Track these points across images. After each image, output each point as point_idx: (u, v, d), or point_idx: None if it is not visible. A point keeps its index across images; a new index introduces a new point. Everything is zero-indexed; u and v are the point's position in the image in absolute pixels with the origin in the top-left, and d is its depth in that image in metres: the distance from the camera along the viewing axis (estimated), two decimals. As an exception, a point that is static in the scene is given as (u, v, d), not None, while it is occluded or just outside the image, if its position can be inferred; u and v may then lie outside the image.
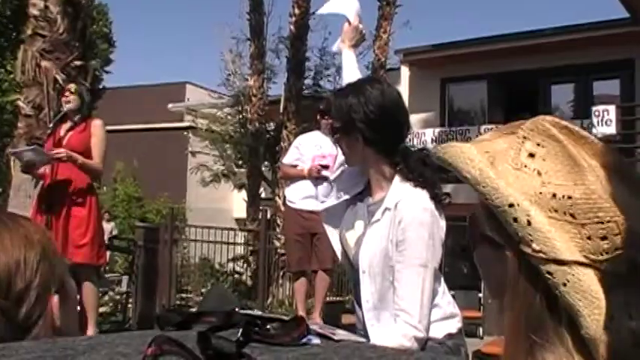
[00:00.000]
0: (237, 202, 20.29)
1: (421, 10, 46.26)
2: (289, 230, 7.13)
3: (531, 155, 1.07)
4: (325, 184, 6.69)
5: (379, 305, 2.45)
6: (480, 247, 1.14)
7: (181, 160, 23.00)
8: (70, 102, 5.56)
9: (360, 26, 3.25)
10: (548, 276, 0.98)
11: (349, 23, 3.23)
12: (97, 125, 5.61)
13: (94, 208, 5.61)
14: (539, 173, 1.05)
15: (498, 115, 17.31)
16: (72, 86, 5.68)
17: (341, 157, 6.78)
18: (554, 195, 1.02)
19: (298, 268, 6.98)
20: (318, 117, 6.91)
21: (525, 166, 1.07)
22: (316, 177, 6.62)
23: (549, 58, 16.13)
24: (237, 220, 21.07)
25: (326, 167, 6.57)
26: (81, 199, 5.52)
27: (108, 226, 19.36)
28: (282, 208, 13.61)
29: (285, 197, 7.30)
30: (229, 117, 19.79)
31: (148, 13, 56.31)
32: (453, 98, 18.53)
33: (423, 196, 2.44)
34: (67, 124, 5.60)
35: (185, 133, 23.72)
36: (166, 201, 23.04)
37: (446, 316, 2.47)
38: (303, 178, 6.74)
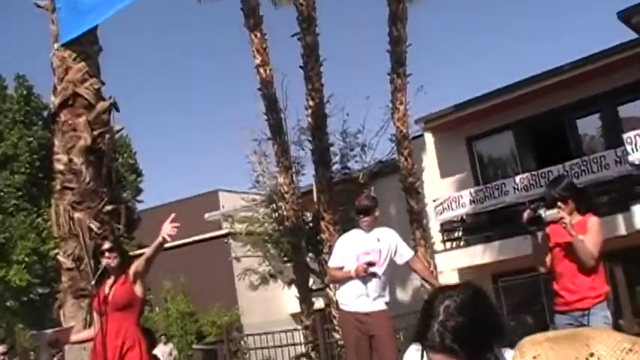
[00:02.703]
0: (289, 298, 20.16)
1: (432, 70, 46.59)
2: (347, 334, 6.98)
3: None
4: (374, 279, 6.61)
5: None
6: None
7: (227, 268, 23.00)
8: (112, 262, 5.61)
9: None
10: None
11: None
12: (129, 273, 5.68)
13: (144, 356, 5.61)
14: None
15: (530, 161, 17.13)
16: (108, 245, 5.71)
17: (386, 250, 6.70)
18: None
19: None
20: (358, 216, 6.87)
21: None
22: (364, 275, 6.54)
23: (569, 93, 15.98)
24: (293, 315, 20.91)
25: (372, 264, 6.51)
26: (131, 349, 5.51)
27: (166, 349, 19.31)
28: (335, 299, 13.51)
29: (337, 301, 7.19)
30: (265, 217, 19.84)
31: (167, 130, 57.38)
32: (482, 154, 18.38)
33: None
34: (110, 280, 5.63)
35: (225, 240, 23.81)
36: (219, 311, 23.00)
37: None
38: (351, 278, 6.65)
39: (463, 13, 48.96)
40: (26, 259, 13.41)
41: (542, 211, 5.25)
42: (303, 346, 15.73)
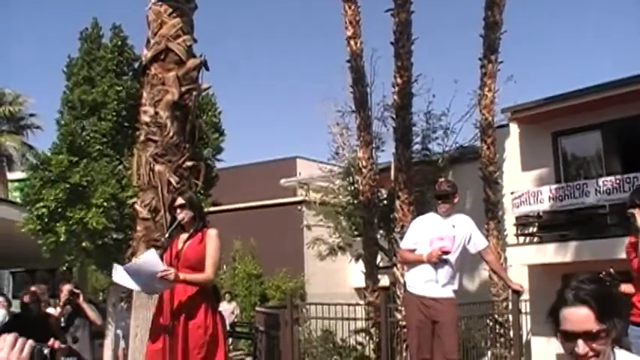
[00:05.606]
0: (355, 273, 20.21)
1: (524, 60, 45.58)
2: (410, 317, 6.95)
3: None
4: (446, 267, 6.55)
5: None
6: None
7: (297, 235, 23.15)
8: (183, 217, 5.61)
9: None
10: None
11: None
12: (211, 236, 5.58)
13: (210, 310, 5.59)
14: None
15: (616, 165, 16.58)
16: (180, 202, 5.68)
17: (460, 237, 6.62)
18: None
19: (418, 356, 6.73)
20: (436, 201, 6.80)
21: None
22: (435, 262, 6.48)
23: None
24: (357, 289, 20.96)
25: (446, 252, 6.45)
26: (198, 302, 5.49)
27: (229, 307, 19.66)
28: (401, 280, 13.44)
29: (405, 282, 7.15)
30: (341, 189, 19.85)
31: (253, 93, 57.98)
32: (567, 152, 17.85)
33: None
34: (184, 235, 5.65)
35: (299, 207, 23.97)
36: (285, 276, 23.23)
37: None
38: (422, 262, 6.59)
39: (563, 5, 47.70)
40: (105, 204, 13.73)
41: None
42: (363, 321, 15.77)
